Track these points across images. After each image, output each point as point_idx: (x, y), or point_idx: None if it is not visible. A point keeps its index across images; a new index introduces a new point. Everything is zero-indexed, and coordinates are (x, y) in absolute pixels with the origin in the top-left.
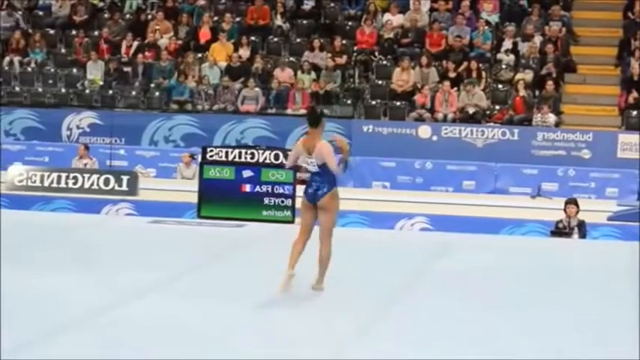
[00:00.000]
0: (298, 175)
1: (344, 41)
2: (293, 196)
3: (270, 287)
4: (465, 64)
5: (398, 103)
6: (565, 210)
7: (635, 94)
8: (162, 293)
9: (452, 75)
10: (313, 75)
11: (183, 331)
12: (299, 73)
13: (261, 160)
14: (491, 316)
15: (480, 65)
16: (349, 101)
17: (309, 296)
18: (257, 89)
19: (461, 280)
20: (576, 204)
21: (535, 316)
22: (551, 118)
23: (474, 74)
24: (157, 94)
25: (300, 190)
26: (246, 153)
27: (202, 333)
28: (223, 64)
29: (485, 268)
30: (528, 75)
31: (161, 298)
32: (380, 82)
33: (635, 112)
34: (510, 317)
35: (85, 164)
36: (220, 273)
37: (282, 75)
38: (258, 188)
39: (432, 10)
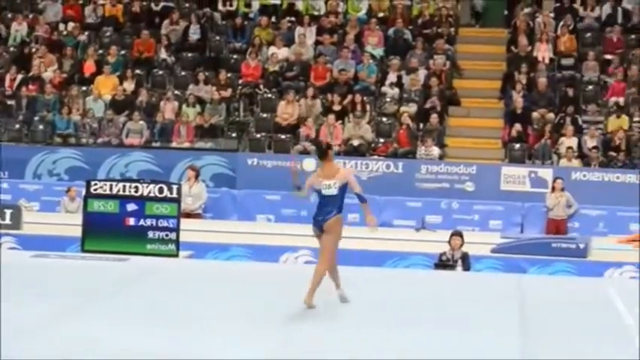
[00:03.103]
0: (182, 207)
1: (229, 74)
2: (177, 230)
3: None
4: (350, 97)
5: (283, 136)
6: (449, 242)
7: (518, 127)
8: (48, 329)
9: (336, 108)
10: (198, 108)
11: None
12: (184, 106)
13: (145, 194)
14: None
15: (365, 98)
16: (234, 134)
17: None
18: (142, 122)
19: (349, 312)
20: (461, 236)
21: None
22: (435, 151)
23: (359, 107)
24: (41, 127)
25: (184, 223)
26: (130, 186)
27: None
28: (108, 97)
29: (371, 301)
30: (412, 108)
31: (45, 334)
32: (265, 115)
33: (518, 145)
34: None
35: None
36: (106, 306)
37: (167, 108)
38: (142, 222)
39: (317, 43)
